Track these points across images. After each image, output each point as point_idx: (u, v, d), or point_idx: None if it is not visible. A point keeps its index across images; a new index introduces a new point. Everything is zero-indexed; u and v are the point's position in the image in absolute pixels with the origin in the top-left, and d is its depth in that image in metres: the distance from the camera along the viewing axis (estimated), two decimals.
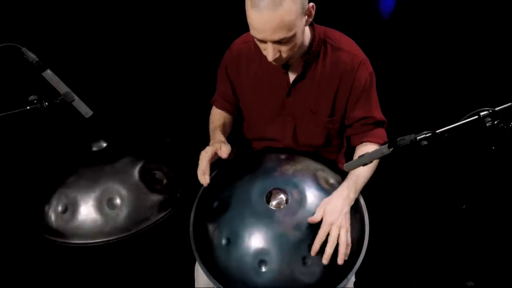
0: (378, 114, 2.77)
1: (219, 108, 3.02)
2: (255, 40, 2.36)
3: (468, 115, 1.90)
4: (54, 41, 3.60)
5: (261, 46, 2.38)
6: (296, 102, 2.74)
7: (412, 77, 4.25)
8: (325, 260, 2.24)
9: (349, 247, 2.30)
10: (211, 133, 2.85)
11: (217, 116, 2.98)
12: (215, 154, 2.50)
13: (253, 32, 2.29)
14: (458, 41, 4.06)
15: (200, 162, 2.46)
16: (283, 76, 2.68)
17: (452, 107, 3.86)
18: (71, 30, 3.72)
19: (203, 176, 2.42)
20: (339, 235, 2.29)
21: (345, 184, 2.47)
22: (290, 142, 2.92)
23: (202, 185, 2.46)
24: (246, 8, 2.25)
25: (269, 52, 2.33)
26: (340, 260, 2.25)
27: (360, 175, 2.53)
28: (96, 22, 3.79)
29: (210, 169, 2.47)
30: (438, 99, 4.23)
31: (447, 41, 4.08)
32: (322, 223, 2.30)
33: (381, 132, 2.79)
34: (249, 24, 2.28)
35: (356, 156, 2.76)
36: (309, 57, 2.59)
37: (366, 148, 2.73)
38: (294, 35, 2.27)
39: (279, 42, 2.27)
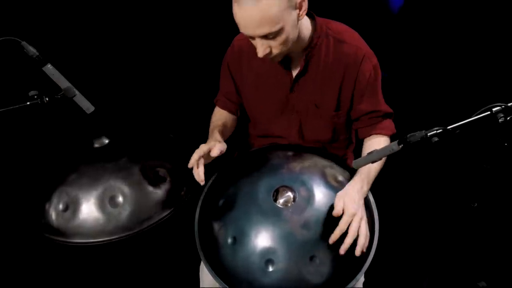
0: (385, 107, 2.81)
1: (221, 107, 3.04)
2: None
3: (480, 110, 1.90)
4: (55, 35, 3.60)
5: (252, 42, 2.39)
6: (300, 98, 2.75)
7: (422, 72, 4.25)
8: (343, 250, 2.26)
9: (368, 239, 2.35)
10: (209, 133, 2.85)
11: (218, 117, 2.99)
12: (208, 152, 2.49)
13: (239, 28, 2.31)
14: (469, 36, 4.06)
15: (192, 157, 2.45)
16: (286, 71, 2.69)
17: (463, 103, 3.86)
18: (72, 24, 3.73)
19: (196, 171, 2.43)
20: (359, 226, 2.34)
21: (357, 177, 2.51)
22: (296, 139, 2.93)
23: (207, 182, 2.49)
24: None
25: (258, 48, 2.35)
26: (358, 252, 2.29)
27: (372, 168, 2.56)
28: (98, 16, 3.79)
29: (214, 166, 2.50)
30: (449, 94, 4.23)
31: (458, 35, 4.08)
32: (344, 213, 2.32)
33: (389, 123, 2.84)
34: (235, 20, 2.30)
35: (364, 149, 2.84)
36: (311, 51, 2.60)
37: (375, 140, 2.79)
38: (281, 30, 2.26)
39: (265, 37, 2.28)
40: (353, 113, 2.79)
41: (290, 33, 2.33)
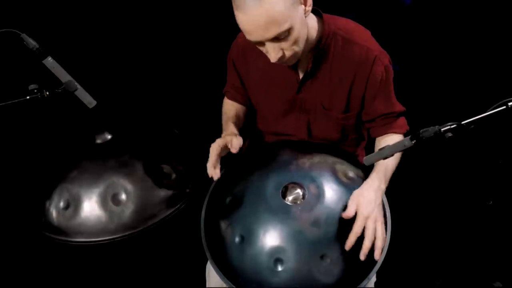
0: (398, 107, 2.77)
1: (229, 99, 3.04)
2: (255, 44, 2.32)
3: (495, 105, 1.91)
4: (55, 26, 3.61)
5: (261, 49, 2.34)
6: (307, 99, 2.73)
7: (435, 65, 4.25)
8: (363, 255, 2.24)
9: (385, 241, 2.32)
10: (223, 125, 2.86)
11: (229, 107, 2.99)
12: (226, 147, 2.50)
13: (247, 36, 2.25)
14: (483, 28, 4.06)
15: (210, 155, 2.45)
16: (292, 72, 2.65)
17: (478, 97, 3.86)
18: (73, 15, 3.74)
19: (213, 170, 2.43)
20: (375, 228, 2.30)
21: (375, 175, 2.47)
22: (305, 137, 2.92)
23: (213, 179, 2.48)
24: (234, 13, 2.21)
25: (271, 53, 2.29)
26: (377, 256, 2.27)
27: (389, 164, 2.54)
28: (100, 9, 3.80)
29: (221, 163, 2.49)
30: (463, 88, 4.23)
31: (472, 28, 4.08)
32: (357, 216, 2.29)
33: (403, 121, 2.81)
34: (241, 29, 2.26)
35: (377, 148, 2.78)
36: (319, 52, 2.55)
37: (389, 139, 2.76)
38: (290, 28, 2.20)
39: (276, 39, 2.22)
40: (366, 115, 2.76)
41: (300, 31, 2.27)
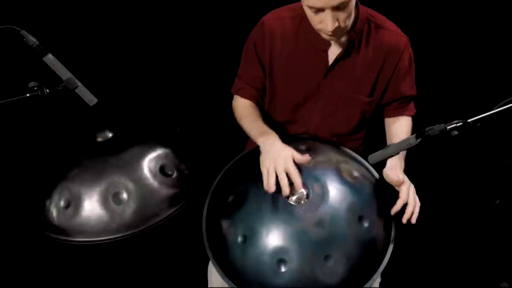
0: (415, 91, 2.93)
1: (245, 97, 2.97)
2: (310, 12, 2.41)
3: (502, 103, 1.90)
4: (56, 23, 3.60)
5: (317, 18, 2.41)
6: (332, 84, 2.78)
7: (441, 62, 4.23)
8: (405, 219, 2.45)
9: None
10: (253, 127, 2.79)
11: (250, 109, 2.94)
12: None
13: (310, 1, 2.33)
14: (491, 24, 4.04)
15: (294, 176, 2.38)
16: (322, 55, 2.71)
17: (485, 95, 3.85)
18: (74, 12, 3.73)
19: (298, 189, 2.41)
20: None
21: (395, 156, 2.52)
22: (314, 128, 2.95)
23: (215, 179, 2.49)
24: None
25: (329, 21, 2.37)
26: (409, 219, 2.45)
27: None
28: (101, 5, 3.79)
29: (221, 162, 2.51)
30: (469, 86, 4.22)
31: (479, 24, 4.07)
32: (404, 185, 2.49)
33: (412, 104, 3.00)
34: None
35: (389, 128, 2.98)
36: (353, 35, 2.63)
37: (399, 122, 2.93)
38: (351, 0, 2.36)
39: (337, 8, 2.32)
40: (386, 98, 2.88)
41: (353, 5, 2.45)
